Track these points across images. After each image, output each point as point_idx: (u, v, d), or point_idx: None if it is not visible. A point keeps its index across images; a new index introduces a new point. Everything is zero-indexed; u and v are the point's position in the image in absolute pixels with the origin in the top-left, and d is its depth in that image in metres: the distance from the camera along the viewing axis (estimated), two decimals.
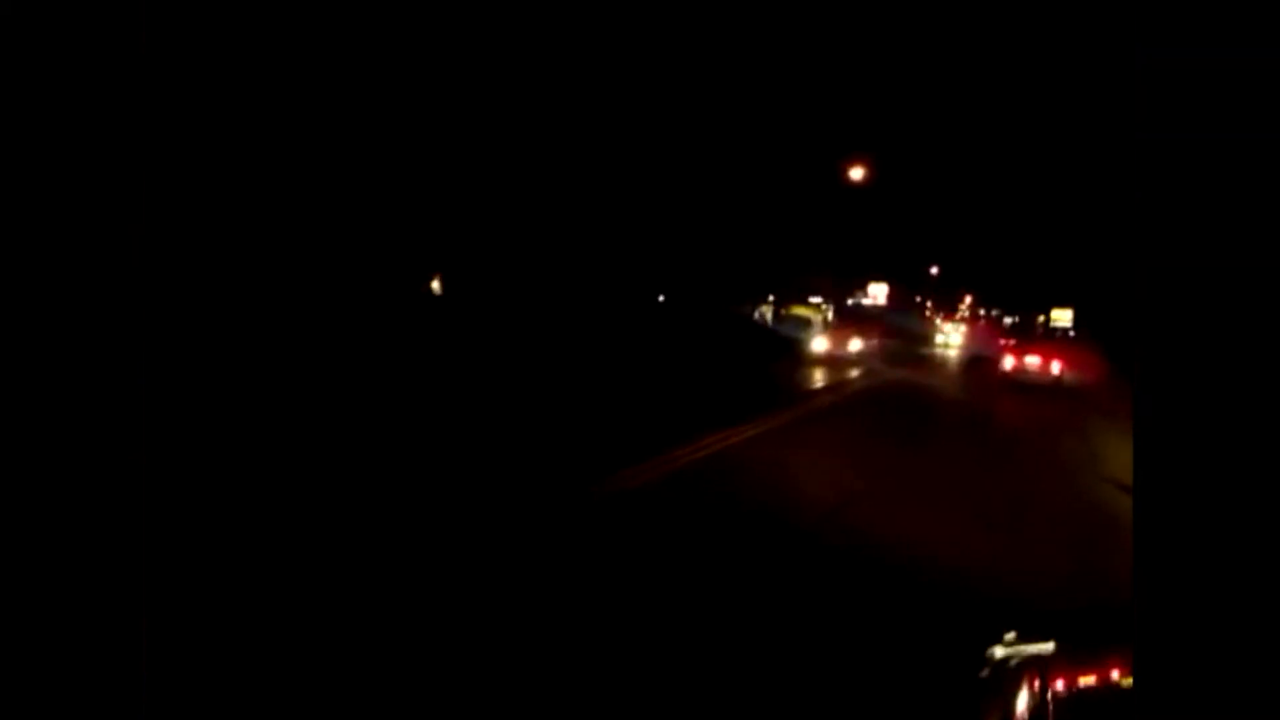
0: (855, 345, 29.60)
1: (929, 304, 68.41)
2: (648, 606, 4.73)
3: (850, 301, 50.40)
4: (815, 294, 48.03)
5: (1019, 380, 21.94)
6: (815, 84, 31.68)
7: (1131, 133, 1.32)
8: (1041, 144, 46.95)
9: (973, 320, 78.26)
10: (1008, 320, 68.41)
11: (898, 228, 46.55)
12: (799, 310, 42.14)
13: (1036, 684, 1.75)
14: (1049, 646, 1.96)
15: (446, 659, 3.92)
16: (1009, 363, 23.38)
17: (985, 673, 1.87)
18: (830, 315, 47.82)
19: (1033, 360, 23.05)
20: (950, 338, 52.52)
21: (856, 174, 31.40)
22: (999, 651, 1.95)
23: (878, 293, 55.54)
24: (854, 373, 23.39)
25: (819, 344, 28.50)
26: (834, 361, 26.22)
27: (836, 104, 32.43)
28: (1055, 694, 1.72)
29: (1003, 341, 46.65)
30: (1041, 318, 62.38)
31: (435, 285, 24.52)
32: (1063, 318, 58.77)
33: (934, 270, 60.91)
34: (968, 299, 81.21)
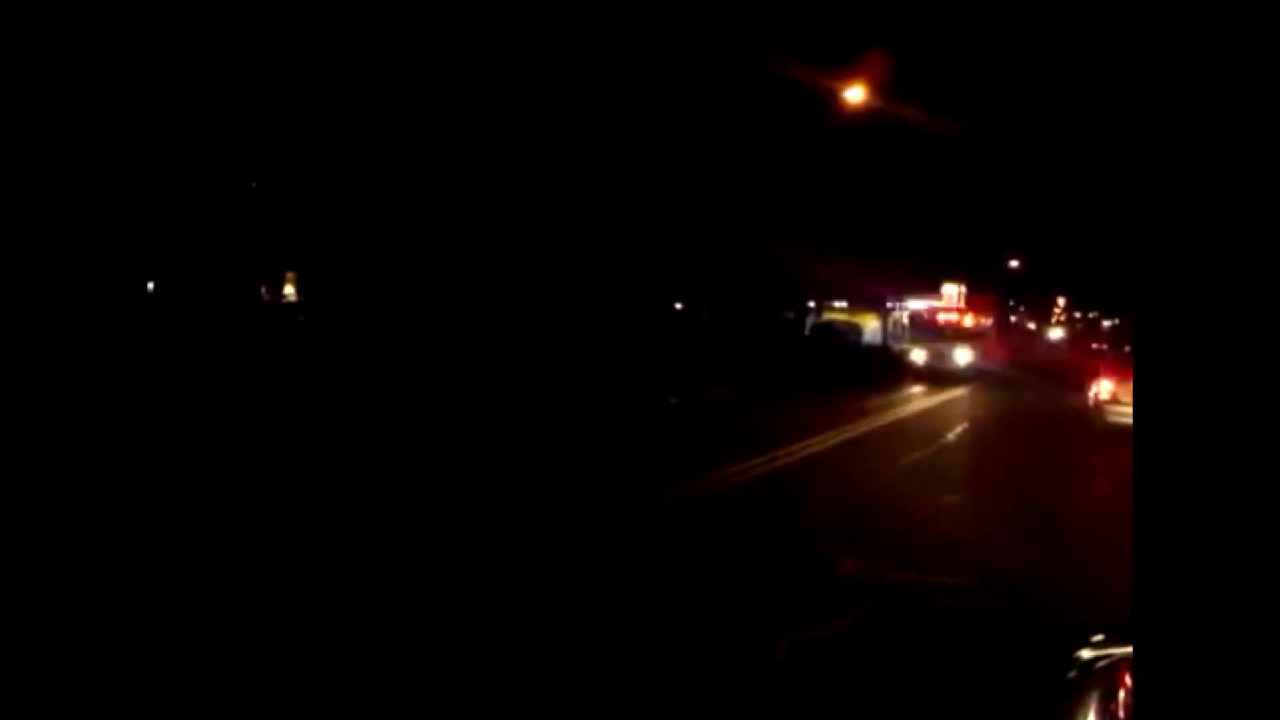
0: None
1: (1020, 308, 60.18)
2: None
3: (924, 306, 43.27)
4: (875, 298, 41.50)
5: (1122, 418, 14.20)
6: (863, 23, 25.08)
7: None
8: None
9: (1068, 325, 69.33)
10: (1106, 324, 59.16)
11: (972, 211, 38.83)
12: (843, 317, 35.55)
13: (1124, 686, 1.71)
14: None
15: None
16: (1104, 389, 14.82)
17: (1072, 674, 1.84)
18: (905, 321, 41.01)
19: None
20: (957, 355, 34.68)
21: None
22: (1086, 654, 1.89)
23: (951, 294, 47.96)
24: None
25: None
26: None
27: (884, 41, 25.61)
28: None
29: (1096, 347, 37.56)
30: None
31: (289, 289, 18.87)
32: None
33: (1014, 264, 52.33)
34: (1060, 301, 72.21)
